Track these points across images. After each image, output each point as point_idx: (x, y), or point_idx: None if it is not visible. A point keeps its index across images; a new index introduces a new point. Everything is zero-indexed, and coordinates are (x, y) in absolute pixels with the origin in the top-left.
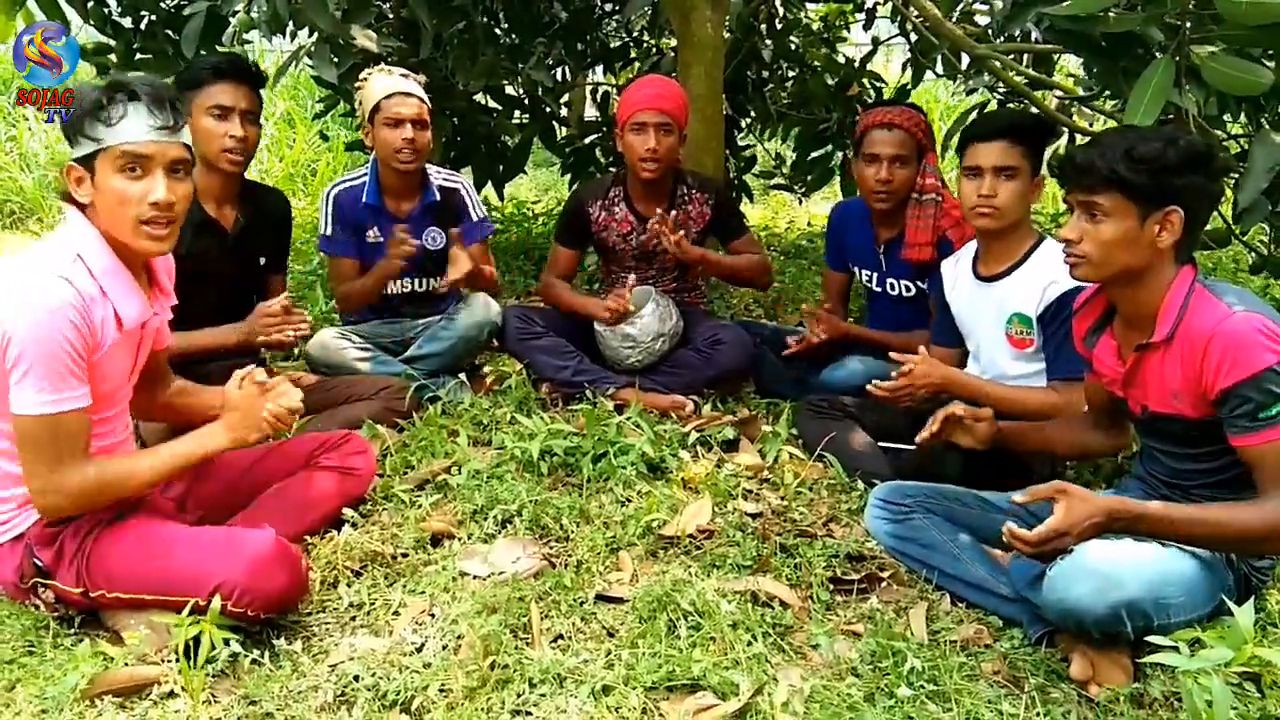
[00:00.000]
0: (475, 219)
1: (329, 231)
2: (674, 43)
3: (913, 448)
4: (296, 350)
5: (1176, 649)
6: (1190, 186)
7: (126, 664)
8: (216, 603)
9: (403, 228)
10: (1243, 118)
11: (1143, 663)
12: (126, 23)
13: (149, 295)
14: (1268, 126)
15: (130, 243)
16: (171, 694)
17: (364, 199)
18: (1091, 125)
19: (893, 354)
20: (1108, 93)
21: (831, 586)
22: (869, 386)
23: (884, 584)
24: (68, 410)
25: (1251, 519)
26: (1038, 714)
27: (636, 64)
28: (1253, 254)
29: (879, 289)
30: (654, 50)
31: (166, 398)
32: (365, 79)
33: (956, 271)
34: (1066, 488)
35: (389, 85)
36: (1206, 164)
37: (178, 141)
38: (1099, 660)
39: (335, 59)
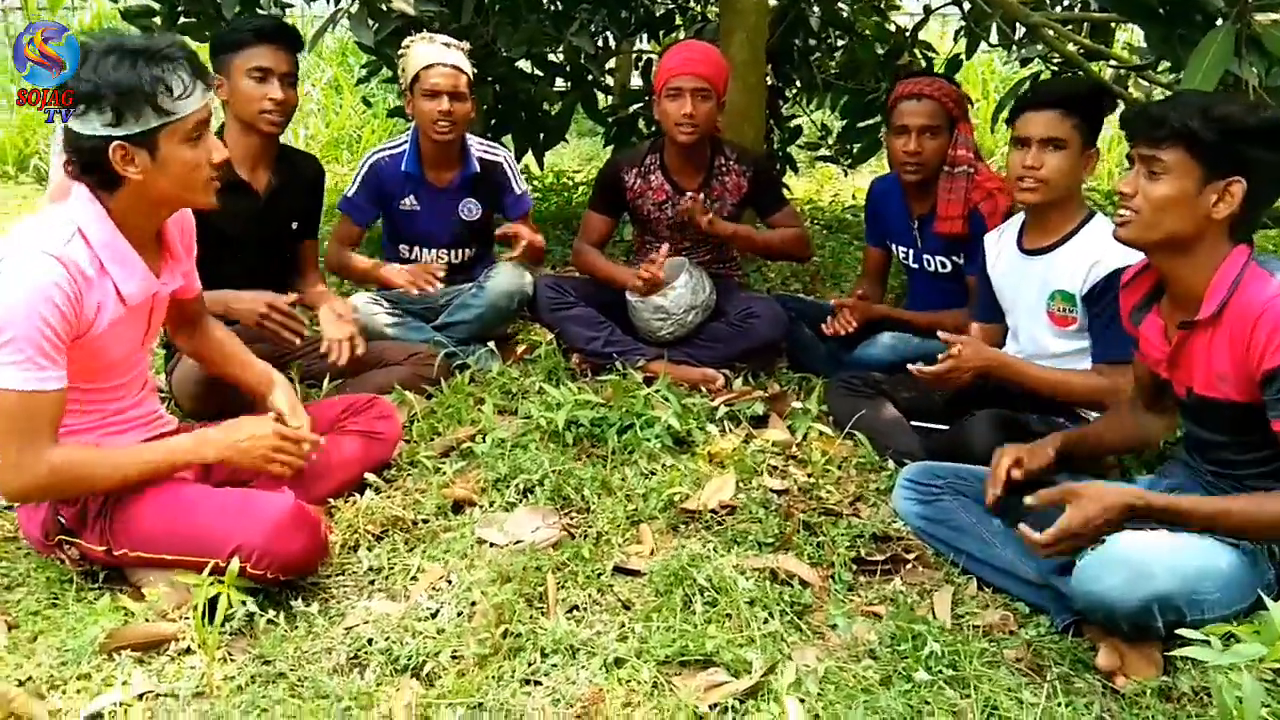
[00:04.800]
0: (517, 193)
1: (351, 193)
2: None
3: (945, 427)
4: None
5: (1208, 643)
6: (1260, 160)
7: (146, 620)
8: (235, 564)
9: (437, 268)
10: None
11: (1172, 656)
12: None
13: (161, 263)
14: None
15: (199, 200)
16: (188, 651)
17: (403, 167)
18: (1148, 97)
19: (941, 334)
20: (1165, 63)
21: (854, 567)
22: (912, 368)
23: (909, 566)
24: (41, 390)
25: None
26: (1059, 704)
27: (681, 31)
28: None
29: (915, 265)
30: (699, 17)
31: (209, 348)
32: (407, 47)
33: (1000, 244)
34: (1075, 489)
35: (429, 55)
36: None
37: (211, 100)
38: (1128, 651)
39: (373, 23)
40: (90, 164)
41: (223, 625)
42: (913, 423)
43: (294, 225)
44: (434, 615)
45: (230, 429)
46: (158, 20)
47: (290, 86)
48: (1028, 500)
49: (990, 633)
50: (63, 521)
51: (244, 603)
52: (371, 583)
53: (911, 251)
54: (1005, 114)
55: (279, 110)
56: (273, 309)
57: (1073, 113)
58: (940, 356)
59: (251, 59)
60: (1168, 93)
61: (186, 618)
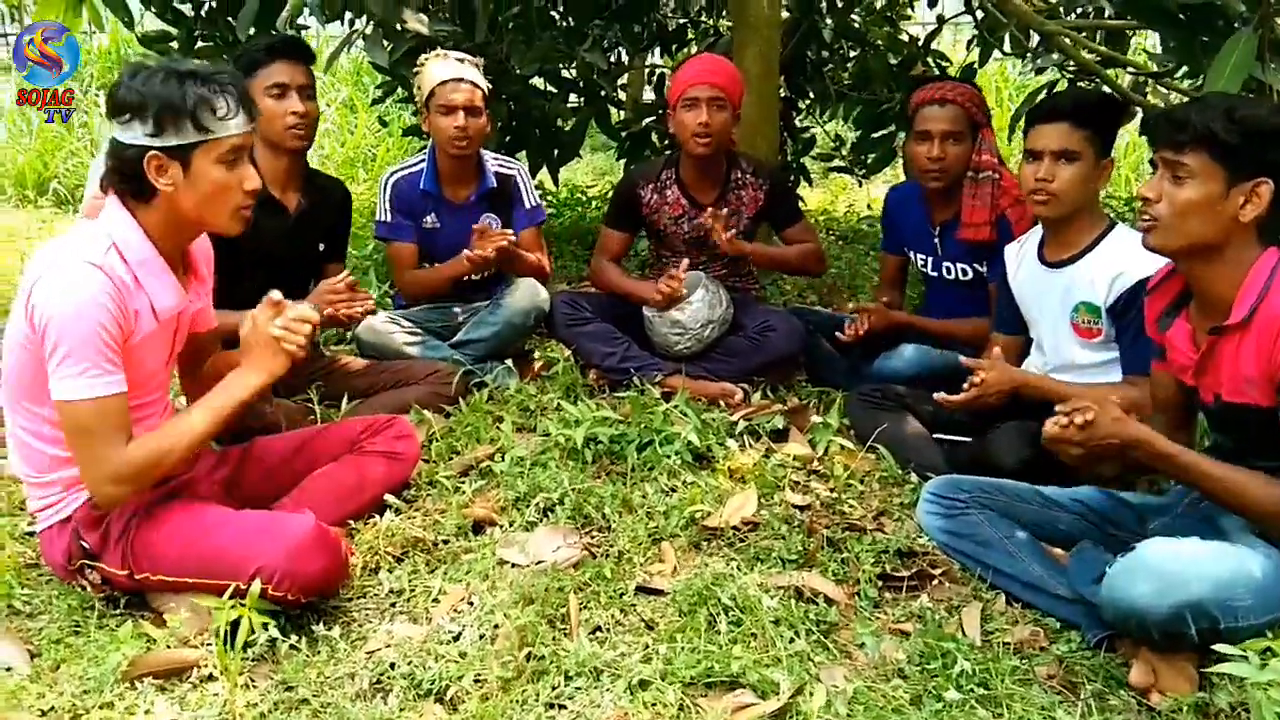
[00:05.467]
0: (529, 206)
1: (387, 218)
2: (730, 23)
3: (969, 439)
4: (348, 334)
5: (1245, 658)
6: None
7: (168, 646)
8: (256, 587)
9: (493, 223)
10: None
11: (1208, 671)
12: (187, 9)
13: (185, 283)
14: None
15: (221, 226)
16: (210, 677)
17: (421, 185)
18: (1166, 104)
19: (964, 360)
20: (1184, 69)
21: (880, 583)
22: (938, 397)
23: (935, 582)
24: (110, 394)
25: (1268, 497)
26: None
27: (694, 45)
28: None
29: (934, 273)
30: (711, 31)
31: (208, 377)
32: (422, 64)
33: (1021, 255)
34: (1104, 404)
35: (444, 71)
36: None
37: (252, 133)
38: (1162, 667)
39: (388, 43)
40: (128, 173)
41: (245, 650)
42: (936, 435)
43: (321, 247)
44: (456, 638)
45: (245, 356)
46: (174, 45)
47: (309, 99)
48: (1060, 406)
49: (1021, 649)
50: (85, 545)
51: (266, 626)
52: (393, 605)
53: (931, 259)
54: (1022, 123)
55: (303, 123)
56: (334, 291)
57: (1084, 124)
58: (965, 386)
59: (269, 77)
60: (1186, 99)
61: (208, 644)
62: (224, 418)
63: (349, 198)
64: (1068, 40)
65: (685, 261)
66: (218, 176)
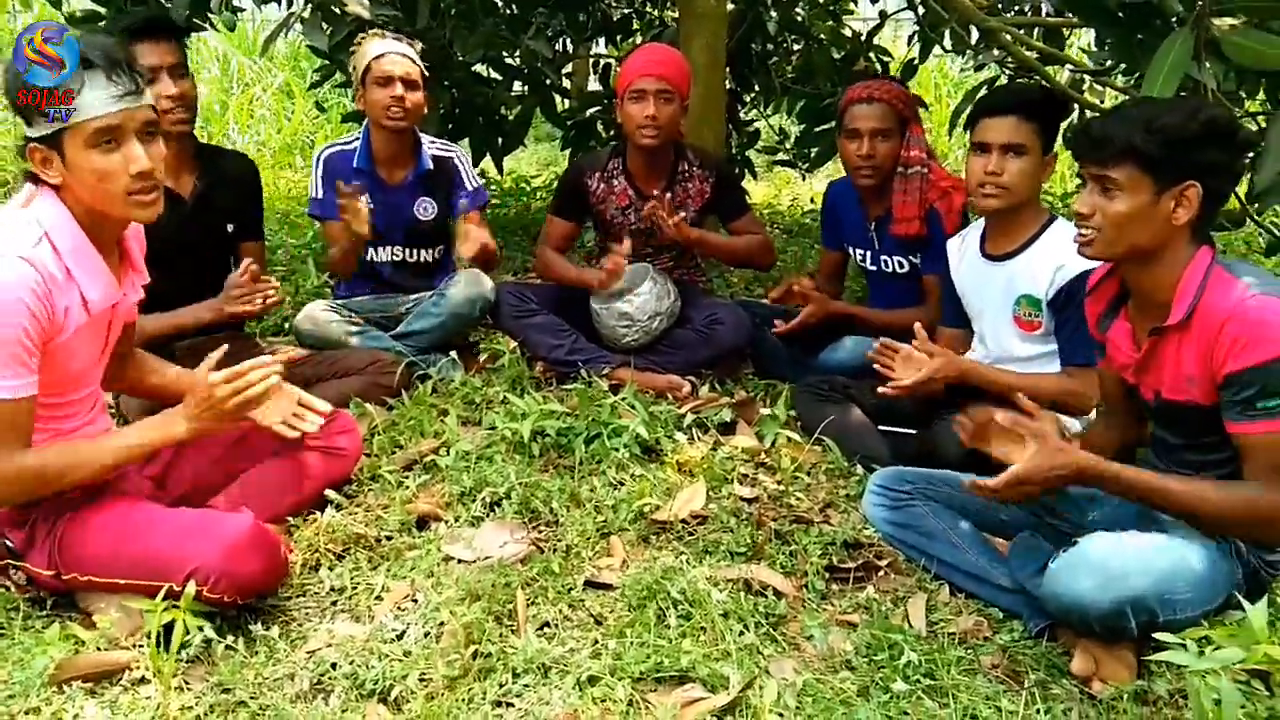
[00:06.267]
0: (471, 188)
1: (319, 194)
2: (676, 13)
3: (913, 431)
4: (287, 325)
5: (1185, 647)
6: (1210, 161)
7: (98, 648)
8: (191, 588)
9: (355, 186)
10: (1262, 94)
11: (1147, 660)
12: None
13: (120, 274)
14: None
15: (120, 215)
16: (143, 680)
17: (355, 163)
18: (1103, 101)
19: (912, 343)
20: (1121, 67)
21: (827, 575)
22: (882, 389)
23: (881, 573)
24: (18, 398)
25: (1225, 502)
26: (1038, 711)
27: (638, 35)
28: (1266, 236)
29: (873, 267)
30: (656, 21)
31: (133, 374)
32: (359, 43)
33: (963, 249)
34: (1044, 432)
35: (380, 46)
36: (1229, 137)
37: (144, 104)
38: (1102, 656)
39: (327, 26)
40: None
41: (179, 652)
42: (881, 427)
43: (229, 228)
44: (400, 636)
45: (185, 403)
46: (102, 25)
47: (182, 78)
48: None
49: (965, 640)
50: (9, 545)
51: (201, 628)
52: (334, 604)
53: (869, 254)
54: (963, 119)
55: (180, 106)
56: (237, 285)
57: (1032, 118)
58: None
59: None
60: (1123, 97)
61: (140, 645)
62: (140, 456)
63: (254, 171)
64: (1008, 37)
65: (627, 242)
66: (93, 163)
